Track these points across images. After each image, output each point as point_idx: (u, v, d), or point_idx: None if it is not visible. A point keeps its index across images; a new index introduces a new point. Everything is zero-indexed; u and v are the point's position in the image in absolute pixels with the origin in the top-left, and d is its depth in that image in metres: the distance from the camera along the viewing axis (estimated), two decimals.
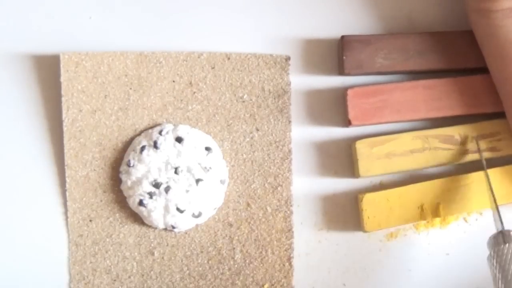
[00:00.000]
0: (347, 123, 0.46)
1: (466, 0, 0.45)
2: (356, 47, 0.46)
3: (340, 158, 0.48)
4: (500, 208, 0.44)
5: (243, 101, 0.47)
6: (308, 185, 0.48)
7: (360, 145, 0.46)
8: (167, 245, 0.47)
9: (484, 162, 0.46)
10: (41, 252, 0.47)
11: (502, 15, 0.43)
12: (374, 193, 0.46)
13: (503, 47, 0.43)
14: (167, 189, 0.45)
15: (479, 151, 0.46)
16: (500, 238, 0.43)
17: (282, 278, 0.47)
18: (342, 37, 0.46)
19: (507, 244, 0.42)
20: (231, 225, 0.47)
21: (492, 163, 0.47)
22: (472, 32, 0.46)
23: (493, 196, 0.45)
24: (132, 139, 0.47)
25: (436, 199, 0.46)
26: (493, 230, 0.44)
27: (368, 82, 0.48)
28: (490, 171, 0.46)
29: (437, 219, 0.48)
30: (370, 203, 0.46)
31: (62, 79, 0.46)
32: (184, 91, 0.47)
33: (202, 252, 0.47)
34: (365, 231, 0.46)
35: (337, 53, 0.48)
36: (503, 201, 0.46)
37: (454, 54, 0.46)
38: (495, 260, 0.42)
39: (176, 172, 0.45)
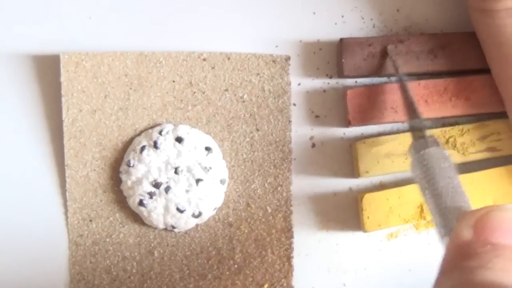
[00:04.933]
0: (347, 123, 0.46)
1: (468, 0, 0.45)
2: (355, 50, 0.46)
3: (340, 158, 0.48)
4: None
5: (243, 101, 0.47)
6: (308, 185, 0.48)
7: (360, 145, 0.46)
8: (167, 245, 0.47)
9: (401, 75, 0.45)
10: (41, 252, 0.47)
11: (506, 15, 0.42)
12: (374, 193, 0.46)
13: (506, 47, 0.43)
14: (167, 189, 0.45)
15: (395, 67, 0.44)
16: (421, 143, 0.41)
17: (282, 278, 0.47)
18: (341, 39, 0.46)
19: (429, 149, 0.40)
20: (231, 225, 0.47)
21: (492, 163, 0.47)
22: (472, 33, 0.46)
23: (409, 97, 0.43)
24: (132, 139, 0.47)
25: None
26: None
27: (368, 82, 0.48)
28: (490, 171, 0.46)
29: None
30: (370, 203, 0.46)
31: (62, 79, 0.46)
32: (184, 91, 0.47)
33: (202, 252, 0.47)
34: (365, 231, 0.46)
35: (337, 55, 0.48)
36: (503, 201, 0.46)
37: (454, 55, 0.46)
38: (419, 166, 0.40)
39: (176, 172, 0.46)
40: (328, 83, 0.48)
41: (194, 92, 0.47)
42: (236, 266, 0.47)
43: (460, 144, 0.47)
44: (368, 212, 0.46)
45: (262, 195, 0.47)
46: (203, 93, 0.47)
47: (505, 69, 0.44)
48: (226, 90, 0.47)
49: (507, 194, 0.47)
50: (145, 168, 0.46)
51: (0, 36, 0.47)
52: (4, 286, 0.47)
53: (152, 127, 0.47)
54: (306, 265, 0.48)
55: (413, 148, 0.42)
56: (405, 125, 0.48)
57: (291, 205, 0.47)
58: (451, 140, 0.47)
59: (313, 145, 0.48)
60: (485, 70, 0.46)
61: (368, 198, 0.46)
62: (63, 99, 0.46)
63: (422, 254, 0.48)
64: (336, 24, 0.48)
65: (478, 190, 0.46)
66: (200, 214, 0.46)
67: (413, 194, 0.46)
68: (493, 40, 0.44)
